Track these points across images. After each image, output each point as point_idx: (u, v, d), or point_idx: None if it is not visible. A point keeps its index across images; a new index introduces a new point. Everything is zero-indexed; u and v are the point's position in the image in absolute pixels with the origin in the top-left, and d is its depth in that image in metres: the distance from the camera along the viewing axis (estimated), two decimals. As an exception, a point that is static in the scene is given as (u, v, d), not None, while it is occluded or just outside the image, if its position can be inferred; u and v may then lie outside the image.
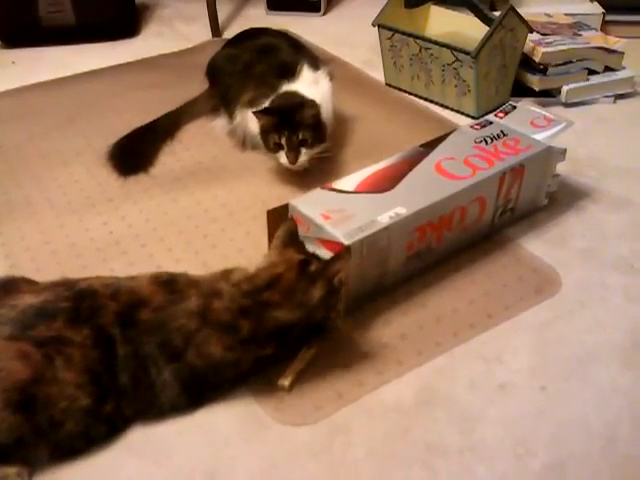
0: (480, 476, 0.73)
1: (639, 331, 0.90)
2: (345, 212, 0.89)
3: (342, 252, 0.81)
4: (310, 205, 0.91)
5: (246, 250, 1.03)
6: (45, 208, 1.14)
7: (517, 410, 0.80)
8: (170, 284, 0.79)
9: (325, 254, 0.85)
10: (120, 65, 1.64)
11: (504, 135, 1.06)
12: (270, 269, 0.80)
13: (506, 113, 1.12)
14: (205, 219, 1.11)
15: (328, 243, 0.86)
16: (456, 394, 0.82)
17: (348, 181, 0.97)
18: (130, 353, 0.75)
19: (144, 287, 0.78)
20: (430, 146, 1.04)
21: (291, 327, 0.79)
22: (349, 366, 0.85)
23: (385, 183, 0.96)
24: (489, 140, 1.05)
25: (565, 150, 1.05)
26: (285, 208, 0.92)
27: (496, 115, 1.12)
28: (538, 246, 1.04)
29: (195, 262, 1.02)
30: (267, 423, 0.78)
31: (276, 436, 0.77)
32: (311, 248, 0.87)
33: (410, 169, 0.98)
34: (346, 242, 0.84)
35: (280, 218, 0.91)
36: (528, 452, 0.75)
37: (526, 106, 1.12)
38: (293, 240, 0.85)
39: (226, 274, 0.81)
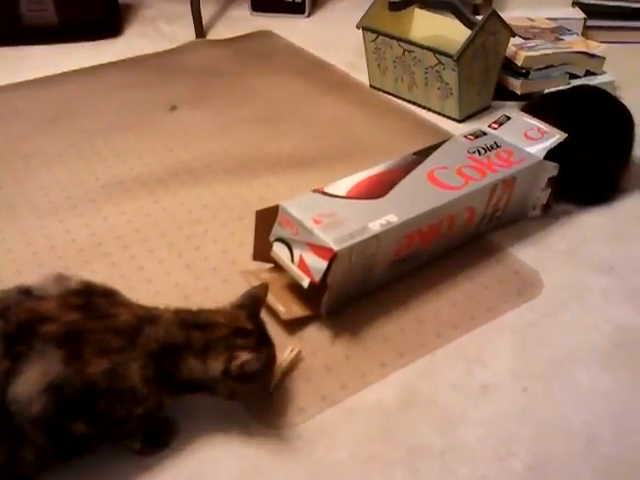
0: (462, 477, 0.73)
1: (619, 333, 0.92)
2: (336, 217, 0.89)
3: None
4: (301, 208, 0.90)
5: (230, 251, 1.03)
6: (26, 209, 1.13)
7: (499, 411, 0.81)
8: (87, 305, 0.69)
9: (314, 260, 0.85)
10: (103, 65, 1.63)
11: (497, 147, 1.06)
12: (212, 314, 0.75)
13: (500, 124, 1.12)
14: (188, 220, 1.11)
15: (317, 248, 0.86)
16: (438, 395, 0.82)
17: (340, 185, 0.96)
18: (5, 371, 0.62)
19: (50, 305, 0.68)
20: (423, 154, 1.04)
21: (199, 386, 0.72)
22: (332, 368, 0.85)
23: (377, 189, 0.95)
24: (482, 151, 1.05)
25: (558, 165, 1.05)
26: (275, 209, 0.91)
27: (490, 126, 1.12)
28: (520, 248, 1.05)
29: (178, 264, 1.01)
30: (250, 425, 0.78)
31: (259, 438, 0.77)
32: (299, 252, 0.87)
33: (402, 177, 0.98)
34: (335, 248, 0.84)
35: (269, 220, 0.91)
36: (509, 453, 0.76)
37: (520, 117, 1.13)
38: (253, 306, 0.78)
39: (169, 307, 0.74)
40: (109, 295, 0.73)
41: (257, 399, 0.80)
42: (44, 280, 0.72)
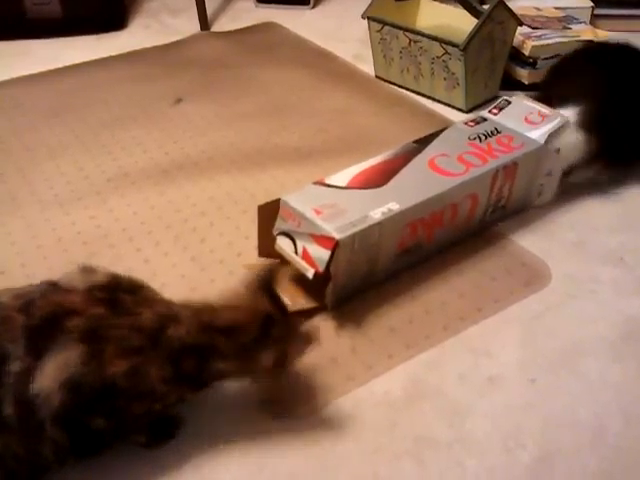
0: (469, 469, 0.73)
1: (628, 324, 0.91)
2: (337, 207, 0.89)
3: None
4: (302, 200, 0.90)
5: (235, 244, 1.03)
6: (31, 202, 1.13)
7: (506, 403, 0.80)
8: (113, 300, 0.68)
9: (318, 251, 0.85)
10: (107, 58, 1.62)
11: (498, 132, 1.05)
12: (233, 312, 0.72)
13: (500, 109, 1.11)
14: (194, 213, 1.11)
15: (320, 238, 0.85)
16: (445, 387, 0.82)
17: (341, 176, 0.96)
18: (28, 367, 0.62)
19: (76, 298, 0.67)
20: (424, 142, 1.03)
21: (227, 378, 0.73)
22: (339, 360, 0.84)
23: (378, 179, 0.95)
24: (483, 137, 1.04)
25: (559, 149, 1.04)
26: (277, 203, 0.91)
27: (490, 111, 1.11)
28: (527, 239, 1.04)
29: (183, 256, 1.01)
30: (255, 416, 0.78)
31: (265, 429, 0.76)
32: (302, 244, 0.87)
33: (403, 165, 0.98)
34: (337, 236, 0.83)
35: (271, 214, 0.91)
36: (517, 445, 0.75)
37: (521, 101, 1.11)
38: (269, 287, 0.75)
39: (187, 304, 0.73)
40: (135, 290, 0.72)
41: (262, 392, 0.80)
42: (70, 273, 0.71)
